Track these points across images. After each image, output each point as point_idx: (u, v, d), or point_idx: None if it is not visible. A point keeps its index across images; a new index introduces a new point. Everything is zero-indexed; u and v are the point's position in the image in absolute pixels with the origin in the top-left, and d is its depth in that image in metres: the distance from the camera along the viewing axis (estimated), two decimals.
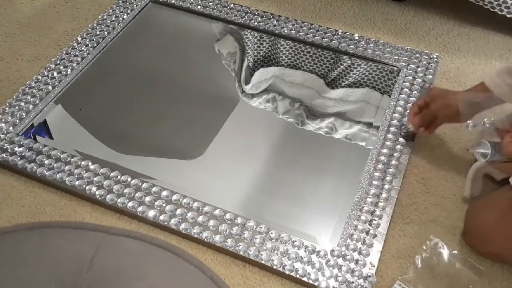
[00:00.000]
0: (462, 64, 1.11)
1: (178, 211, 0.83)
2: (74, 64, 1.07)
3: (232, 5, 1.21)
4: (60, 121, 0.99)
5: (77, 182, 0.87)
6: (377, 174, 0.88)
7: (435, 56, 1.10)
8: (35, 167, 0.89)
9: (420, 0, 1.26)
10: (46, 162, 0.90)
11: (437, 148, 0.95)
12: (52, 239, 0.74)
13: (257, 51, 1.14)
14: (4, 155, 0.91)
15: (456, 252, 0.80)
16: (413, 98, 1.01)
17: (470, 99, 0.83)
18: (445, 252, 0.79)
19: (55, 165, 0.89)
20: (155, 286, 0.66)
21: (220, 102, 1.05)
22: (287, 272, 0.77)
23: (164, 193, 0.85)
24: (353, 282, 0.76)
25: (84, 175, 0.88)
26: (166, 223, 0.82)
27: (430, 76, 1.05)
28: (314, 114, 1.01)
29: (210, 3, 1.22)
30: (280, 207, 0.87)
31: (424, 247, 0.80)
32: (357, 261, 0.78)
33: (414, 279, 0.77)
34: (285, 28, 1.15)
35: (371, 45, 1.11)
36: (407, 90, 1.02)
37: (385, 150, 0.92)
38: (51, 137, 0.96)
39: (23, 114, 0.98)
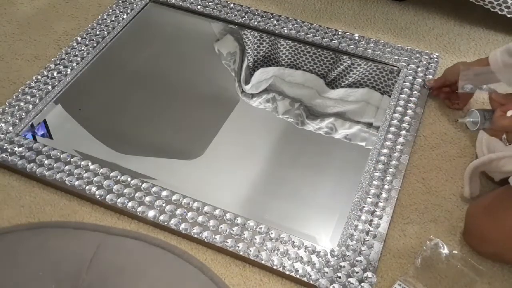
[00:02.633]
0: None
1: (178, 211, 0.83)
2: (74, 64, 1.07)
3: (232, 4, 1.21)
4: (60, 121, 0.99)
5: (76, 182, 0.87)
6: (377, 174, 0.88)
7: (435, 56, 1.10)
8: (34, 167, 0.89)
9: (420, 0, 1.26)
10: (46, 162, 0.89)
11: (437, 148, 0.95)
12: (52, 239, 0.74)
13: (257, 51, 1.14)
14: (3, 155, 0.91)
15: (456, 252, 0.80)
16: (414, 98, 1.01)
17: (469, 70, 0.89)
18: (445, 252, 0.79)
19: (54, 165, 0.89)
20: (155, 286, 0.66)
21: (220, 102, 1.05)
22: (287, 272, 0.77)
23: (164, 193, 0.85)
24: (353, 282, 0.76)
25: (84, 175, 0.88)
26: (166, 223, 0.82)
27: (430, 76, 1.05)
28: (314, 114, 1.01)
29: (210, 3, 1.22)
30: (280, 207, 0.87)
31: (425, 247, 0.80)
32: (357, 261, 0.78)
33: (414, 279, 0.77)
34: (285, 28, 1.15)
35: (371, 45, 1.11)
36: (407, 90, 1.02)
37: (385, 150, 0.92)
38: (50, 137, 0.96)
39: (23, 114, 0.97)
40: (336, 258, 0.78)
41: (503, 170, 0.80)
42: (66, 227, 0.78)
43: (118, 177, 0.88)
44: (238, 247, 0.79)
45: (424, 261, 0.79)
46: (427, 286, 0.76)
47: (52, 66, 1.07)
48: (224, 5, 1.21)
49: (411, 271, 0.78)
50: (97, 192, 0.86)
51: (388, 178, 0.88)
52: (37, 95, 1.01)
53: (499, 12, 1.11)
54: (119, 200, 0.85)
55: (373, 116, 1.00)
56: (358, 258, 0.78)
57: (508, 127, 0.74)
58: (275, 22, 1.17)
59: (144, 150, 0.96)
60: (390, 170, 0.89)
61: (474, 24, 1.20)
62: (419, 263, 0.78)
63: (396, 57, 1.09)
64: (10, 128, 0.95)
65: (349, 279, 0.76)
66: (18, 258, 0.69)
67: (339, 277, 0.76)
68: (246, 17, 1.18)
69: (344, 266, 0.77)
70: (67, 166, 0.89)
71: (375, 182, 0.87)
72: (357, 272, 0.77)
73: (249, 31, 1.17)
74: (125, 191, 0.86)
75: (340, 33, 1.14)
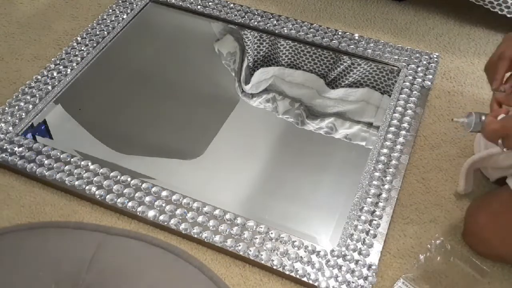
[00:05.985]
0: (462, 64, 1.11)
1: (178, 211, 0.83)
2: (74, 64, 1.07)
3: (232, 4, 1.21)
4: (60, 121, 0.99)
5: (76, 182, 0.87)
6: (377, 174, 0.88)
7: (435, 56, 1.10)
8: (34, 167, 0.89)
9: (420, 0, 1.26)
10: (46, 162, 0.89)
11: (437, 148, 0.95)
12: (52, 239, 0.74)
13: (257, 51, 1.14)
14: (3, 155, 0.91)
15: (460, 252, 0.80)
16: (414, 98, 1.01)
17: None
18: (449, 252, 0.79)
19: (54, 165, 0.89)
20: (155, 286, 0.66)
21: (220, 102, 1.05)
22: (287, 272, 0.77)
23: (164, 193, 0.85)
24: (353, 282, 0.76)
25: (84, 175, 0.88)
26: (166, 223, 0.82)
27: (430, 76, 1.05)
28: (314, 114, 1.01)
29: (210, 3, 1.22)
30: (280, 207, 0.87)
31: (429, 246, 0.80)
32: (357, 261, 0.78)
33: (417, 277, 0.77)
34: (285, 28, 1.15)
35: (371, 45, 1.11)
36: (407, 90, 1.02)
37: (385, 150, 0.92)
38: (50, 137, 0.96)
39: (23, 114, 0.97)
40: (336, 258, 0.78)
41: (501, 165, 0.79)
42: (66, 227, 0.78)
43: (118, 177, 0.88)
44: (238, 247, 0.79)
45: (428, 260, 0.79)
46: (430, 285, 0.76)
47: (52, 66, 1.07)
48: (224, 5, 1.21)
49: (415, 270, 0.78)
50: (97, 192, 0.86)
51: (388, 178, 0.88)
52: (37, 95, 1.01)
53: (499, 12, 1.11)
54: (119, 200, 0.85)
55: (373, 116, 1.00)
56: (358, 258, 0.78)
57: (497, 132, 0.68)
58: (275, 22, 1.17)
59: (144, 150, 0.96)
60: (390, 170, 0.89)
61: (474, 24, 1.20)
62: (422, 261, 0.78)
63: (396, 57, 1.09)
64: (10, 128, 0.95)
65: (349, 279, 0.76)
66: (18, 258, 0.69)
67: (339, 277, 0.76)
68: (246, 17, 1.18)
69: (344, 266, 0.77)
70: (67, 166, 0.89)
71: (375, 182, 0.87)
72: (357, 272, 0.77)
73: (249, 31, 1.17)
74: (125, 191, 0.86)
75: (340, 33, 1.14)
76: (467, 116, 0.74)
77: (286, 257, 0.78)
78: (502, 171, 0.81)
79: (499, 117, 0.70)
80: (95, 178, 0.87)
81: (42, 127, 0.97)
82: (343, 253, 0.79)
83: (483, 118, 0.72)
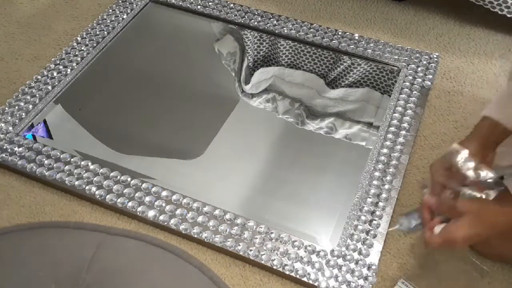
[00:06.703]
0: (462, 64, 1.11)
1: (178, 211, 0.83)
2: (74, 64, 1.07)
3: (232, 4, 1.21)
4: (60, 121, 0.99)
5: (76, 182, 0.87)
6: (377, 174, 0.88)
7: (435, 56, 1.10)
8: (34, 167, 0.89)
9: (420, 0, 1.26)
10: (46, 162, 0.89)
11: (437, 148, 0.95)
12: (51, 239, 0.74)
13: (257, 51, 1.14)
14: (3, 155, 0.91)
15: (460, 252, 0.79)
16: (414, 98, 1.00)
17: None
18: (449, 252, 0.79)
19: (54, 165, 0.89)
20: (155, 286, 0.66)
21: (220, 102, 1.05)
22: (287, 272, 0.77)
23: (164, 193, 0.85)
24: (353, 282, 0.76)
25: (84, 175, 0.88)
26: (166, 223, 0.82)
27: (430, 76, 1.05)
28: (314, 114, 1.01)
29: (210, 3, 1.22)
30: (280, 207, 0.87)
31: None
32: (357, 261, 0.78)
33: (417, 278, 0.77)
34: (285, 28, 1.15)
35: (371, 45, 1.11)
36: (407, 90, 1.02)
37: (385, 150, 0.92)
38: (50, 137, 0.96)
39: (23, 114, 0.97)
40: (336, 258, 0.78)
41: (499, 165, 0.79)
42: (66, 227, 0.78)
43: (118, 177, 0.88)
44: (238, 247, 0.79)
45: (428, 260, 0.78)
46: (430, 285, 0.76)
47: (52, 66, 1.07)
48: (224, 5, 1.21)
49: (415, 270, 0.78)
50: (97, 192, 0.86)
51: (388, 178, 0.88)
52: (37, 95, 1.01)
53: (499, 12, 1.11)
54: (119, 200, 0.85)
55: (373, 116, 1.00)
56: (358, 258, 0.78)
57: (442, 246, 0.67)
58: (275, 22, 1.17)
59: (144, 150, 0.96)
60: (390, 170, 0.89)
61: (474, 24, 1.20)
62: (422, 262, 0.78)
63: (396, 57, 1.09)
64: (10, 128, 0.95)
65: (349, 279, 0.76)
66: (18, 258, 0.69)
67: (339, 277, 0.76)
68: (246, 17, 1.18)
69: (344, 266, 0.77)
70: (67, 166, 0.89)
71: (375, 182, 0.87)
72: (357, 272, 0.77)
73: (249, 31, 1.17)
74: (125, 191, 0.86)
75: (340, 33, 1.14)
76: (400, 222, 0.76)
77: (286, 257, 0.78)
78: (501, 171, 0.81)
79: (436, 228, 0.69)
80: (95, 178, 0.87)
81: (42, 127, 0.97)
82: (343, 253, 0.79)
83: (417, 216, 0.74)
